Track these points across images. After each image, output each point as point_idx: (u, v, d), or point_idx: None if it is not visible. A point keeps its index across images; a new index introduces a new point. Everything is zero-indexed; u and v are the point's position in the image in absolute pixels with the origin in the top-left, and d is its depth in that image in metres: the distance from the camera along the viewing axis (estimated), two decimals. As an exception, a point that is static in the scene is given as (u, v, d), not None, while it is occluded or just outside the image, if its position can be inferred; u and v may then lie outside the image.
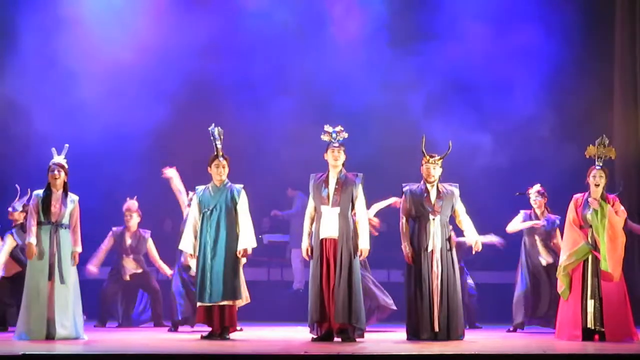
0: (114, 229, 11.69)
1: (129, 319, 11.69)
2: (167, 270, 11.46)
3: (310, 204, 9.22)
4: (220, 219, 9.33)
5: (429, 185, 9.31)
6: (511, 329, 10.90)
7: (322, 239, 9.03)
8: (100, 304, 11.66)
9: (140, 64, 13.64)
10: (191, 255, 9.49)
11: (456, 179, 9.63)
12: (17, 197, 10.82)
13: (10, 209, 10.87)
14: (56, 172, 9.22)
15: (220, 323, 9.29)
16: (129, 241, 11.64)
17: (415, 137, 9.85)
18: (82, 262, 9.53)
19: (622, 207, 9.32)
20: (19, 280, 10.37)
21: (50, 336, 8.97)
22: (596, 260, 9.14)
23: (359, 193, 9.12)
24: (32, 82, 13.63)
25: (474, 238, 9.40)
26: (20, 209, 10.71)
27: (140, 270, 11.67)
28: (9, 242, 10.74)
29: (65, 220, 9.23)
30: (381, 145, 13.66)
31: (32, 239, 9.10)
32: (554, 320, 9.75)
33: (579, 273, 9.21)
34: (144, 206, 11.87)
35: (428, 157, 9.31)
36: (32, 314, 9.00)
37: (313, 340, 8.95)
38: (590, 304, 9.13)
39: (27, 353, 7.08)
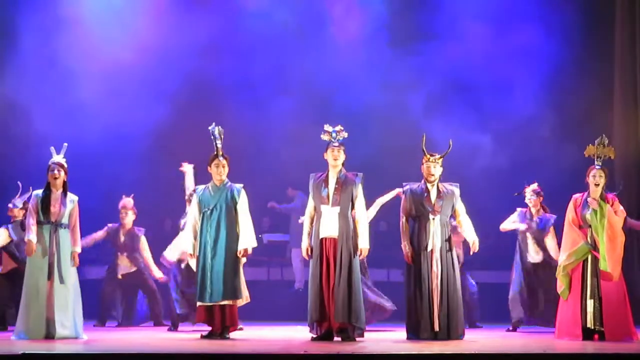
0: (110, 225, 11.73)
1: (128, 319, 11.69)
2: (157, 273, 11.48)
3: (310, 203, 9.22)
4: (221, 218, 9.33)
5: (429, 185, 9.31)
6: (510, 328, 10.92)
7: (322, 239, 9.03)
8: (99, 304, 11.67)
9: (140, 64, 13.65)
10: (191, 254, 9.49)
11: (456, 178, 9.63)
12: (18, 194, 10.83)
13: (10, 205, 10.89)
14: (56, 171, 9.22)
15: (221, 322, 9.29)
16: (122, 238, 11.66)
17: (415, 137, 9.85)
18: (81, 262, 9.52)
19: (621, 207, 9.31)
20: (15, 277, 10.40)
21: (50, 336, 8.97)
22: (595, 260, 9.14)
23: (359, 193, 9.12)
24: (32, 82, 13.64)
25: (472, 238, 9.41)
26: (21, 205, 10.72)
27: (134, 269, 11.67)
28: (4, 236, 10.75)
29: (65, 220, 9.23)
30: (381, 145, 13.67)
31: (32, 237, 9.10)
32: (552, 319, 9.76)
33: (579, 273, 9.20)
34: (144, 206, 11.87)
35: (428, 156, 9.31)
36: (31, 314, 9.00)
37: (313, 339, 8.95)
38: (590, 303, 9.13)
39: (26, 352, 7.07)
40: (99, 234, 11.71)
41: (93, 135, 13.19)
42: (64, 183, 9.29)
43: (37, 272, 9.07)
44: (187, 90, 14.03)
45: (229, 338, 9.27)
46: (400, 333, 9.47)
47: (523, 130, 13.90)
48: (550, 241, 10.79)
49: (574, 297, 9.18)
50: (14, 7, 13.94)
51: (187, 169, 11.12)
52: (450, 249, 9.22)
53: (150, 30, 13.80)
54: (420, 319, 9.06)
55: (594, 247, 9.15)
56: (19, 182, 10.83)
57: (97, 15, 13.94)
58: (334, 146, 9.13)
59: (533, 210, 10.96)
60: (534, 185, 11.04)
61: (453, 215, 9.41)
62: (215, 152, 9.44)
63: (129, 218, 11.67)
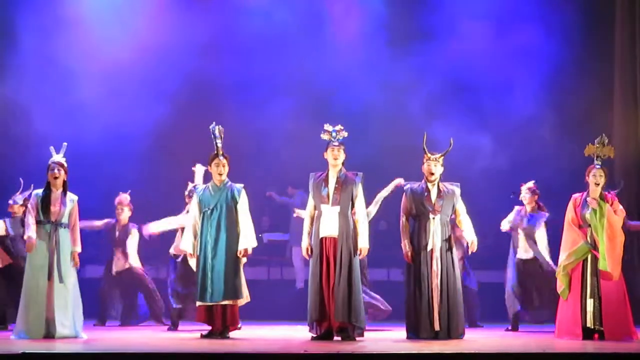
0: (109, 220, 11.73)
1: (128, 317, 11.69)
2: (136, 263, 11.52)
3: (310, 203, 9.23)
4: (221, 218, 9.34)
5: (429, 184, 9.31)
6: (510, 327, 10.93)
7: (322, 238, 9.03)
8: (99, 303, 11.67)
9: (140, 63, 13.64)
10: (191, 254, 9.49)
11: (456, 178, 9.63)
12: (19, 191, 10.84)
13: (10, 202, 10.89)
14: (56, 170, 9.23)
15: (222, 322, 9.28)
16: (117, 234, 11.67)
17: (415, 137, 9.85)
18: (82, 262, 9.53)
19: (620, 206, 9.32)
20: (11, 274, 10.41)
21: (50, 335, 8.98)
22: (595, 260, 9.14)
23: (359, 192, 9.13)
24: (32, 82, 13.63)
25: (471, 238, 9.42)
26: (21, 202, 10.73)
27: (127, 266, 11.67)
28: (1, 228, 10.74)
29: (65, 220, 9.23)
30: (381, 145, 13.66)
31: (32, 233, 9.10)
32: (546, 317, 9.80)
33: (579, 272, 9.20)
34: (144, 206, 11.87)
35: (429, 155, 9.31)
36: (30, 313, 9.00)
37: (313, 339, 8.95)
38: (590, 303, 9.13)
39: (26, 352, 7.08)
40: (97, 223, 11.71)
41: (93, 135, 13.19)
42: (64, 182, 9.30)
43: (37, 271, 9.07)
44: (187, 90, 14.03)
45: (229, 337, 9.27)
46: (400, 332, 9.47)
47: (523, 130, 13.89)
48: (539, 238, 10.83)
49: (573, 296, 9.18)
50: (14, 7, 13.93)
51: (199, 169, 11.12)
52: (450, 248, 9.22)
53: (150, 30, 13.80)
54: (420, 318, 9.07)
55: (594, 246, 9.15)
56: (20, 179, 10.84)
57: (97, 15, 13.93)
58: (334, 145, 9.14)
59: (528, 208, 11.01)
60: (530, 183, 11.08)
61: (454, 215, 9.42)
62: (216, 152, 9.45)
63: (125, 214, 11.68)
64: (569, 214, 9.34)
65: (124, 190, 11.82)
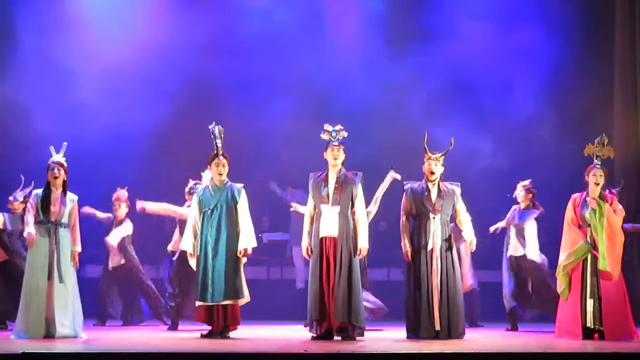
0: (111, 215, 11.75)
1: (128, 316, 11.69)
2: (101, 215, 11.58)
3: (310, 202, 9.23)
4: (221, 218, 9.33)
5: (430, 184, 9.31)
6: (509, 327, 10.94)
7: (321, 238, 9.03)
8: (98, 303, 11.67)
9: (140, 63, 13.65)
10: (191, 254, 9.49)
11: (456, 178, 9.63)
12: (20, 188, 10.84)
13: (11, 198, 10.90)
14: (56, 170, 9.23)
15: (224, 321, 9.27)
16: (113, 229, 11.67)
17: (415, 137, 9.85)
18: (82, 261, 9.53)
19: (620, 206, 9.32)
20: (6, 270, 10.40)
21: (49, 335, 8.97)
22: (595, 260, 9.14)
23: (359, 192, 9.13)
24: (32, 82, 13.63)
25: (469, 238, 9.42)
26: (21, 199, 10.73)
27: (123, 262, 11.66)
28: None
29: (65, 220, 9.23)
30: (381, 145, 13.66)
31: (32, 229, 9.10)
32: (542, 308, 9.86)
33: (579, 272, 9.20)
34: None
35: (430, 154, 9.31)
36: (30, 313, 9.00)
37: (313, 338, 8.95)
38: (590, 303, 9.13)
39: (26, 352, 7.07)
40: (100, 215, 11.73)
41: (93, 135, 13.19)
42: (64, 182, 9.30)
43: (37, 271, 9.07)
44: (187, 90, 14.03)
45: (229, 337, 9.27)
46: (401, 332, 9.47)
47: (523, 130, 13.90)
48: (528, 233, 10.84)
49: (573, 296, 9.18)
50: (14, 7, 13.93)
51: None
52: (450, 248, 9.22)
53: (150, 30, 13.80)
54: (420, 318, 9.07)
55: (594, 246, 9.15)
56: (21, 176, 10.85)
57: (97, 15, 13.93)
58: (334, 145, 9.14)
59: (522, 206, 11.03)
60: (526, 182, 11.10)
61: (454, 214, 9.42)
62: (216, 152, 9.45)
63: (122, 210, 11.69)
64: (569, 213, 9.34)
65: (123, 191, 11.83)
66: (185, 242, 9.52)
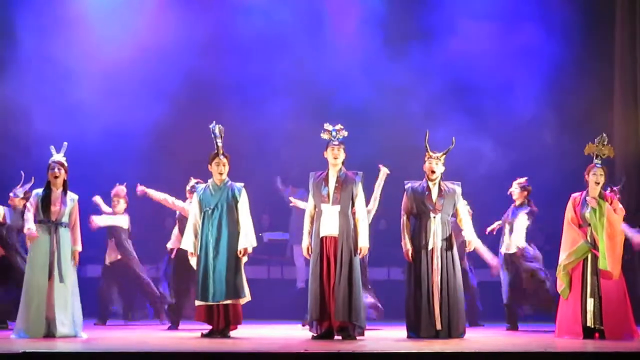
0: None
1: (129, 314, 11.69)
2: (105, 208, 11.59)
3: (310, 202, 9.22)
4: (222, 217, 9.33)
5: (430, 183, 9.31)
6: (509, 326, 10.95)
7: (322, 237, 9.03)
8: (99, 302, 11.67)
9: (139, 63, 13.66)
10: (192, 253, 9.48)
11: (456, 178, 9.63)
12: (20, 184, 10.83)
13: (11, 194, 10.89)
14: (56, 170, 9.23)
15: (225, 320, 9.27)
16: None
17: (415, 137, 9.85)
18: (82, 261, 9.53)
19: (620, 205, 9.32)
20: (4, 268, 10.39)
21: (50, 334, 8.98)
22: (595, 259, 9.13)
23: (359, 191, 9.13)
24: (32, 82, 13.64)
25: (469, 238, 9.43)
26: (22, 195, 10.73)
27: (119, 257, 11.65)
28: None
29: (65, 219, 9.23)
30: (381, 145, 13.65)
31: (32, 225, 9.10)
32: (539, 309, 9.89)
33: (579, 272, 9.20)
34: (144, 205, 11.86)
35: (431, 153, 9.31)
36: (31, 312, 9.00)
37: (313, 338, 8.95)
38: (590, 302, 9.12)
39: (27, 351, 7.07)
40: (104, 207, 11.72)
41: (93, 135, 13.20)
42: (64, 182, 9.30)
43: (38, 271, 9.07)
44: (187, 90, 14.04)
45: (229, 337, 9.26)
46: (401, 332, 9.46)
47: (523, 130, 13.90)
48: (517, 227, 10.84)
49: (574, 296, 9.18)
50: (14, 7, 13.94)
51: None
52: (451, 247, 9.22)
53: (150, 29, 13.81)
54: (420, 317, 9.07)
55: (594, 245, 9.15)
56: (22, 172, 10.84)
57: (97, 14, 13.94)
58: (334, 145, 9.14)
59: (517, 203, 11.05)
60: (521, 180, 11.12)
61: (455, 214, 9.42)
62: (216, 151, 9.44)
63: (121, 206, 11.69)
64: (569, 213, 9.34)
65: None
66: (186, 241, 9.51)
